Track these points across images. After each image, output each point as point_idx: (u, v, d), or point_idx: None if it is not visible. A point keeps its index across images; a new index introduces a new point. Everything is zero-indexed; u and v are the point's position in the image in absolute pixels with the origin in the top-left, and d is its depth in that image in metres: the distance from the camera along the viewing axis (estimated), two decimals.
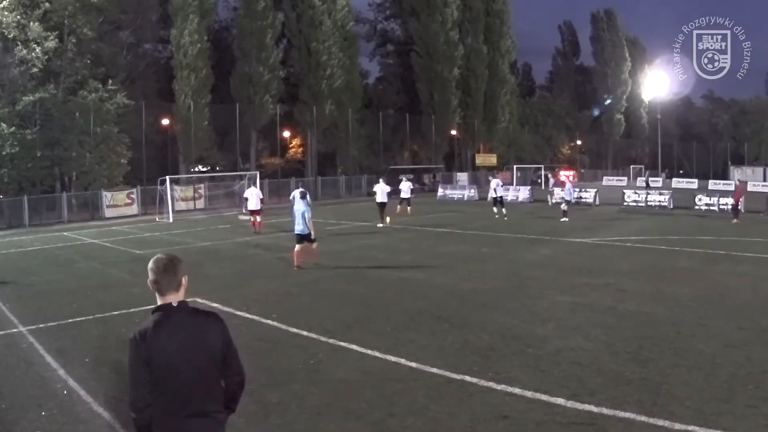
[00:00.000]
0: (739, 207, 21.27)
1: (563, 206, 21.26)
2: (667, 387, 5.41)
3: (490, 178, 25.82)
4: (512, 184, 40.33)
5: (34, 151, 27.17)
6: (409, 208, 23.43)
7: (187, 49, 34.46)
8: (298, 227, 12.04)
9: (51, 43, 27.03)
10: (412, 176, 44.33)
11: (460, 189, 37.82)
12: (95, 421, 5.08)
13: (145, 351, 2.59)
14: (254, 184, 23.33)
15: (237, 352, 2.89)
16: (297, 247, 12.18)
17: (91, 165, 28.88)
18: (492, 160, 54.07)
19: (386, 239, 16.80)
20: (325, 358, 6.53)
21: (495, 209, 22.38)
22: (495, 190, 22.65)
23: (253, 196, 19.79)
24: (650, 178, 51.51)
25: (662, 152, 64.30)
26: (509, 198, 30.11)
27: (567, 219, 20.55)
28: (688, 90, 56.01)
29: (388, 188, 20.86)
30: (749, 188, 40.90)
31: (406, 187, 23.99)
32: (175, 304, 2.70)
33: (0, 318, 8.86)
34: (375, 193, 21.32)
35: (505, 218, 21.45)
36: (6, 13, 26.17)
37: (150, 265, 2.72)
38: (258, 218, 19.50)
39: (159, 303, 2.72)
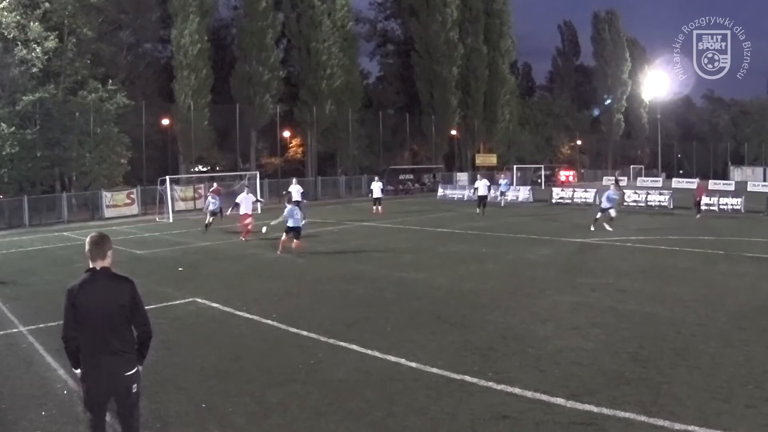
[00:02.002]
0: (702, 205, 21.93)
1: (611, 212, 17.73)
2: (667, 387, 5.42)
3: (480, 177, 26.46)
4: (512, 184, 40.26)
5: (34, 151, 27.15)
6: (380, 207, 24.25)
7: (187, 49, 34.44)
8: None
9: (51, 43, 27.02)
10: (412, 176, 44.40)
11: (460, 189, 37.80)
12: None
13: (73, 299, 3.58)
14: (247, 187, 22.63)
15: (143, 308, 3.76)
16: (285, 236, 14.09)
17: (91, 165, 28.87)
18: (492, 160, 54.03)
19: (386, 239, 16.80)
20: (325, 358, 6.53)
21: (478, 210, 23.37)
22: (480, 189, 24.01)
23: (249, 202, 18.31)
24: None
25: (662, 152, 64.31)
26: (509, 198, 30.12)
27: (611, 228, 17.12)
28: (688, 90, 56.02)
29: (301, 189, 22.71)
30: (749, 188, 41.12)
31: (377, 188, 24.78)
32: (98, 268, 3.67)
33: (0, 318, 8.86)
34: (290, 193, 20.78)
35: (481, 214, 22.90)
36: (6, 13, 26.16)
37: (86, 239, 3.73)
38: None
39: (89, 267, 3.68)
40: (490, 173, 52.36)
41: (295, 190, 21.87)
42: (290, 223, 14.03)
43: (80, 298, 3.58)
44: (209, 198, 20.42)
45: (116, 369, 3.62)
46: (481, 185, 24.01)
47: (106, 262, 3.70)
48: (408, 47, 51.22)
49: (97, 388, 3.63)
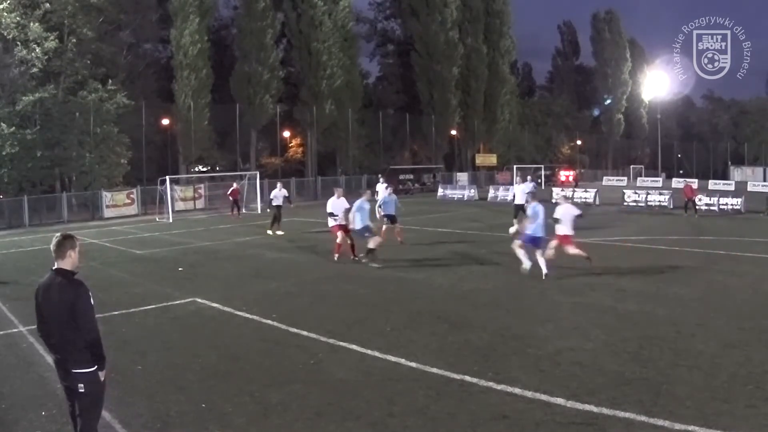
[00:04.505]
0: (697, 205, 22.55)
1: None
2: (667, 387, 5.42)
3: (521, 180, 21.00)
4: (512, 184, 40.27)
5: (34, 151, 27.15)
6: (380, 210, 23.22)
7: (187, 49, 34.45)
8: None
9: (51, 44, 27.03)
10: (412, 176, 44.40)
11: (460, 189, 37.81)
12: None
13: (36, 297, 3.92)
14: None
15: (87, 314, 3.82)
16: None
17: (91, 165, 28.87)
18: (492, 160, 54.03)
19: (386, 239, 16.76)
20: (325, 358, 6.53)
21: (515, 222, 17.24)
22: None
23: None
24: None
25: (662, 152, 64.29)
26: (509, 198, 30.07)
27: None
28: (688, 90, 56.09)
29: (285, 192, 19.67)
30: (749, 188, 41.10)
31: (382, 190, 23.32)
32: (55, 268, 3.87)
33: (0, 318, 8.86)
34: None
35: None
36: (6, 13, 26.15)
37: (53, 238, 3.96)
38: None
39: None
40: (490, 173, 52.61)
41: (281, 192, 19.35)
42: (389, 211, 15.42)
43: (39, 296, 3.89)
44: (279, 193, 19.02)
45: (65, 364, 3.86)
46: (519, 191, 18.88)
47: (65, 263, 3.89)
48: (408, 47, 51.22)
49: (59, 377, 4.02)
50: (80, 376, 3.82)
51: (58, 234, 4.00)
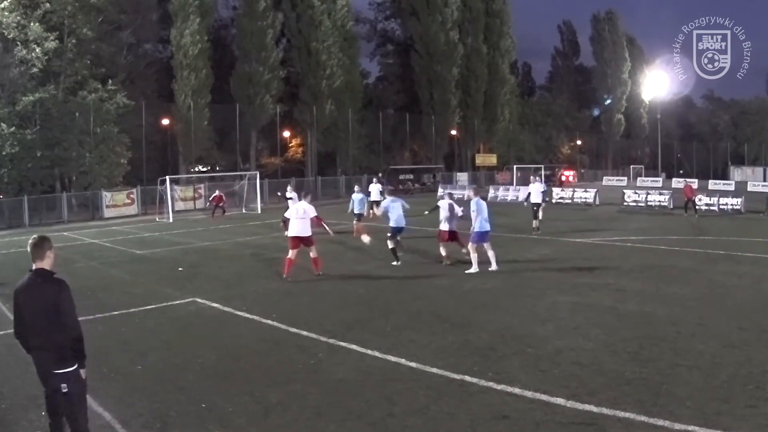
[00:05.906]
0: (697, 205, 22.71)
1: None
2: (667, 387, 5.41)
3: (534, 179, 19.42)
4: (512, 184, 40.35)
5: (34, 151, 27.16)
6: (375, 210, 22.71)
7: (187, 49, 34.45)
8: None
9: (51, 44, 27.04)
10: (412, 176, 44.40)
11: (460, 189, 37.79)
12: (95, 421, 5.05)
13: (16, 299, 3.90)
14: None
15: (70, 313, 3.86)
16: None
17: (91, 165, 28.88)
18: (492, 160, 54.04)
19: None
20: (325, 358, 6.53)
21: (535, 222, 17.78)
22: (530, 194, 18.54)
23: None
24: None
25: (662, 152, 64.30)
26: (509, 198, 30.05)
27: None
28: (688, 90, 56.08)
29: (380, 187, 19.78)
30: (749, 188, 41.10)
31: (375, 190, 21.54)
32: (34, 269, 3.89)
33: (0, 318, 8.86)
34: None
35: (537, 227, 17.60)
36: (6, 13, 26.16)
37: (29, 241, 3.99)
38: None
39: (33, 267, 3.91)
40: (490, 173, 52.61)
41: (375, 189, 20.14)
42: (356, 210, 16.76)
43: (20, 298, 3.89)
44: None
45: (46, 364, 3.85)
46: (534, 189, 18.36)
47: (44, 264, 3.94)
48: (408, 47, 51.26)
49: (40, 379, 3.96)
50: (62, 376, 3.83)
51: (34, 236, 4.05)
